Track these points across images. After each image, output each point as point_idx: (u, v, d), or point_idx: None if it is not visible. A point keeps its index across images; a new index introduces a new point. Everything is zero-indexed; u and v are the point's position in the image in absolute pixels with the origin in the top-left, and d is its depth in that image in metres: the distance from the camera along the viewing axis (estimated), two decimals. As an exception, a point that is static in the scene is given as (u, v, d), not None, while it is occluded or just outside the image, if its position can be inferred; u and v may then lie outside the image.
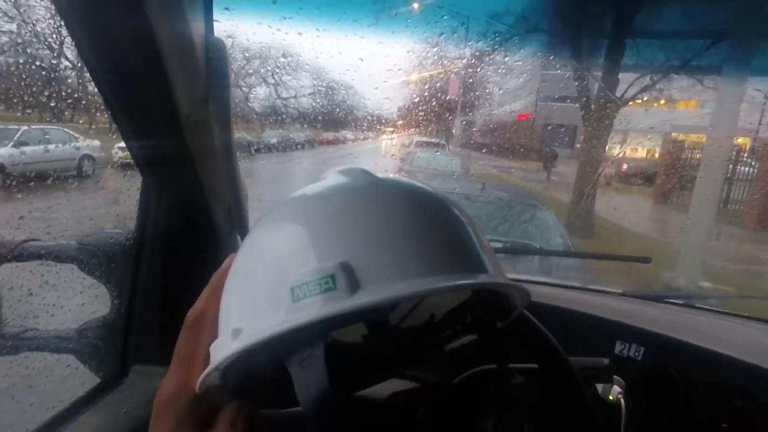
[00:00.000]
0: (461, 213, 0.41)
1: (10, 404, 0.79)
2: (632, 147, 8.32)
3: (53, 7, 0.61)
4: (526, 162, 9.64)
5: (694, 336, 0.85)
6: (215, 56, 0.72)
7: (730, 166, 6.27)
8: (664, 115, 7.05)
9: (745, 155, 6.83)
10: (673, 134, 7.69)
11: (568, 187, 5.74)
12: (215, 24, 0.72)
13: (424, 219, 0.37)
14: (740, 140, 6.67)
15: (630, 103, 5.47)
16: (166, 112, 0.69)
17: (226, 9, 0.82)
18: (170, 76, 0.65)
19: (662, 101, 6.66)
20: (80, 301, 0.87)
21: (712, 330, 1.00)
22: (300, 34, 1.38)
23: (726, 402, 0.75)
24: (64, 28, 0.62)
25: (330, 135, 10.11)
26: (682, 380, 0.76)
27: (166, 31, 0.62)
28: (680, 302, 1.16)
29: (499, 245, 1.53)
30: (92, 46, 0.62)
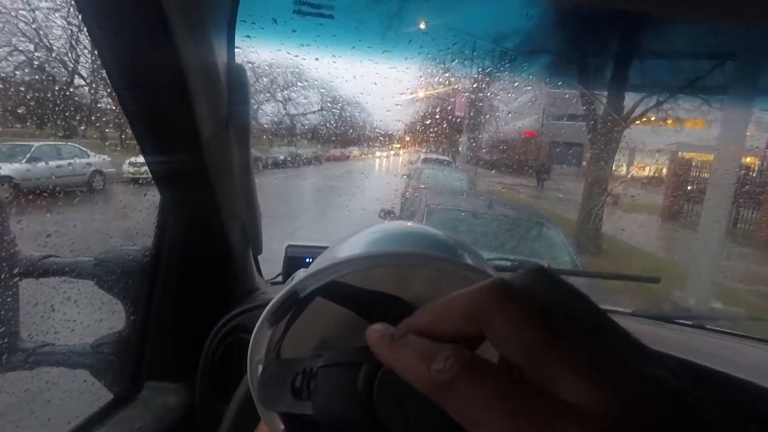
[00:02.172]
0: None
1: (30, 419, 0.80)
2: (639, 166, 8.30)
3: (71, 28, 0.64)
4: (534, 180, 9.64)
5: (705, 357, 0.85)
6: (236, 81, 0.75)
7: (739, 185, 6.24)
8: (671, 134, 7.04)
9: (754, 175, 6.80)
10: (681, 153, 7.67)
11: (576, 206, 5.72)
12: (236, 50, 0.75)
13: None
14: (749, 160, 6.64)
15: (637, 122, 5.48)
16: (187, 134, 0.71)
17: (248, 36, 0.85)
18: (193, 100, 0.67)
19: (669, 121, 6.67)
20: (99, 317, 0.89)
21: (724, 352, 1.00)
22: (317, 59, 1.43)
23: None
24: (79, 46, 0.64)
25: (338, 152, 10.20)
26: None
27: (190, 57, 0.64)
28: (690, 323, 1.15)
29: (507, 263, 1.54)
30: (120, 70, 0.65)
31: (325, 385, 0.28)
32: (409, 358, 0.22)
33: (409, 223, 0.49)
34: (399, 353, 0.23)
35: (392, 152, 9.78)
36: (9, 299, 0.76)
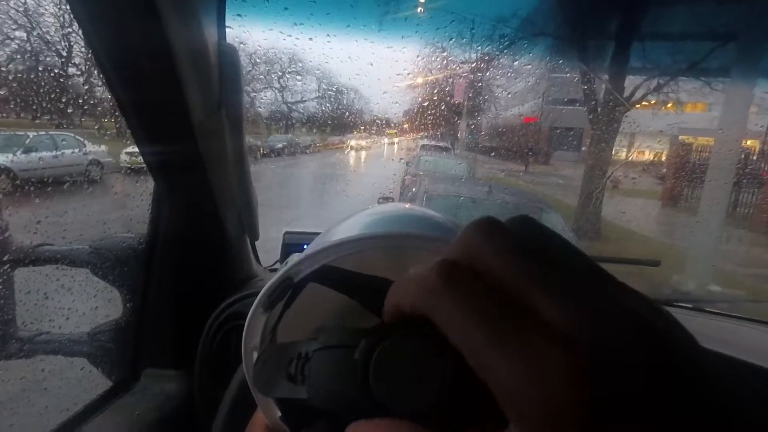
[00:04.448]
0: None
1: (27, 407, 0.80)
2: (640, 150, 8.27)
3: (63, 15, 0.63)
4: (533, 165, 9.60)
5: (705, 340, 0.84)
6: (227, 62, 0.73)
7: (739, 168, 6.23)
8: (671, 118, 6.98)
9: (755, 158, 6.77)
10: (681, 137, 7.63)
11: (575, 191, 5.71)
12: (227, 30, 0.73)
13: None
14: (750, 143, 6.61)
15: (637, 106, 5.44)
16: (179, 118, 0.69)
17: (238, 15, 0.83)
18: (183, 82, 0.65)
19: (670, 104, 6.62)
20: (94, 304, 0.88)
21: (723, 334, 1.00)
22: (311, 39, 1.39)
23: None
24: (72, 35, 0.63)
25: (336, 139, 10.13)
26: None
27: (179, 37, 0.63)
28: (689, 306, 1.15)
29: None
30: (107, 53, 0.63)
31: (320, 367, 0.28)
32: (404, 281, 0.23)
33: (406, 205, 0.49)
34: (398, 284, 0.24)
35: (390, 138, 9.72)
36: (3, 287, 0.75)
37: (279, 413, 0.36)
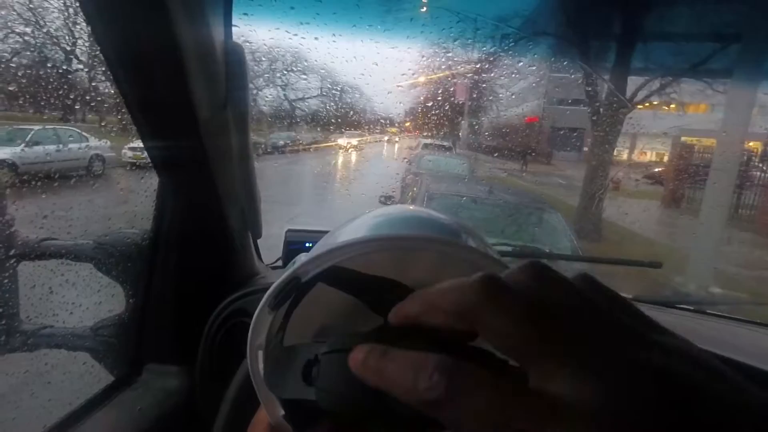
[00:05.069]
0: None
1: (30, 400, 0.81)
2: (642, 151, 8.26)
3: (68, 10, 0.63)
4: (535, 165, 9.60)
5: (706, 342, 0.85)
6: (234, 60, 0.73)
7: (742, 170, 6.22)
8: (673, 119, 6.98)
9: (757, 160, 6.77)
10: (683, 138, 7.62)
11: (577, 191, 5.71)
12: (234, 29, 0.73)
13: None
14: (752, 144, 6.60)
15: (639, 106, 5.43)
16: (185, 115, 0.70)
17: (245, 14, 0.83)
18: (190, 80, 0.66)
19: (672, 105, 6.61)
20: (98, 299, 0.88)
21: (725, 336, 1.00)
22: (316, 39, 1.40)
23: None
24: (77, 30, 0.63)
25: (339, 137, 10.11)
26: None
27: (187, 35, 0.63)
28: (692, 308, 1.15)
29: (508, 249, 1.53)
30: (115, 49, 0.63)
31: (327, 370, 0.28)
32: (396, 376, 0.21)
33: (411, 207, 0.49)
34: (385, 373, 0.22)
35: (393, 136, 9.71)
36: (8, 281, 0.75)
37: (282, 412, 0.36)
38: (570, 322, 0.19)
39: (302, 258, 0.36)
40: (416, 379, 0.20)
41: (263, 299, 0.36)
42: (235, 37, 0.74)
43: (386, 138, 10.05)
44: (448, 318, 0.22)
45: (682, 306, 1.15)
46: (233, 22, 0.73)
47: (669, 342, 0.19)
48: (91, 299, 0.88)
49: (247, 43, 0.76)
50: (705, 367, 0.18)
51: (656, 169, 8.27)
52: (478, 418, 0.18)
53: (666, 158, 8.03)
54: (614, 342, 0.19)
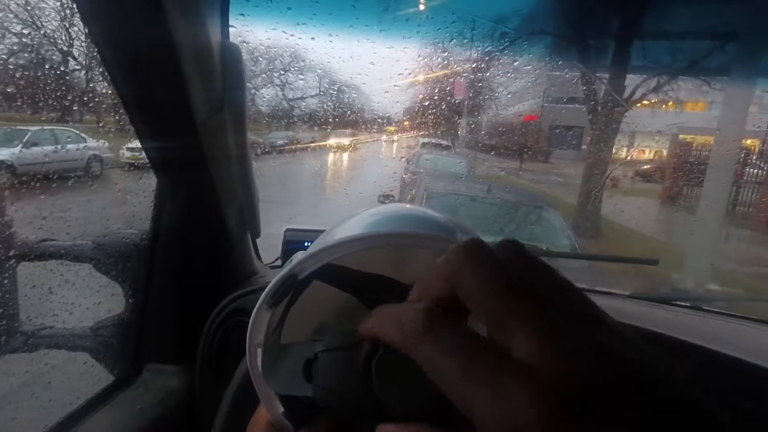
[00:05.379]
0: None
1: (30, 400, 0.81)
2: (639, 149, 8.27)
3: (65, 10, 0.63)
4: (533, 163, 9.61)
5: (703, 338, 0.85)
6: (231, 60, 0.73)
7: (739, 167, 6.23)
8: (671, 117, 6.99)
9: (754, 157, 6.78)
10: (681, 136, 7.63)
11: (575, 189, 5.72)
12: (231, 29, 0.73)
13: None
14: (749, 142, 6.62)
15: (637, 105, 5.44)
16: (182, 115, 0.70)
17: (242, 15, 0.83)
18: (187, 80, 0.66)
19: (670, 103, 6.63)
20: (97, 300, 0.89)
21: (721, 333, 1.00)
22: (313, 39, 1.40)
23: (735, 404, 0.75)
24: (73, 30, 0.64)
25: (337, 136, 10.09)
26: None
27: (183, 35, 0.63)
28: (688, 305, 1.16)
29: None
30: (112, 50, 0.64)
31: (325, 367, 0.29)
32: (385, 319, 0.24)
33: (407, 205, 0.50)
34: (378, 318, 0.25)
35: (390, 136, 9.70)
36: (7, 282, 0.76)
37: (281, 409, 0.37)
38: (537, 291, 0.22)
39: (299, 256, 0.36)
40: (402, 320, 0.23)
41: (261, 297, 0.36)
42: (232, 38, 0.75)
43: (384, 137, 10.05)
44: (438, 286, 0.24)
45: (678, 303, 1.16)
46: (230, 23, 0.73)
47: (613, 325, 0.22)
48: (91, 299, 0.88)
49: (244, 44, 0.77)
50: (638, 346, 0.21)
51: (654, 167, 8.28)
52: (445, 354, 0.21)
53: (664, 156, 8.04)
54: (568, 316, 0.21)
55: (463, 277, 0.23)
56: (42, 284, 0.82)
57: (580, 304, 0.22)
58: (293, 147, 8.10)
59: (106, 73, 0.66)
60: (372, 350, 0.26)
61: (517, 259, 0.24)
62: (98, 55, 0.63)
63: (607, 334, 0.21)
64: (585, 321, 0.21)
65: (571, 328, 0.20)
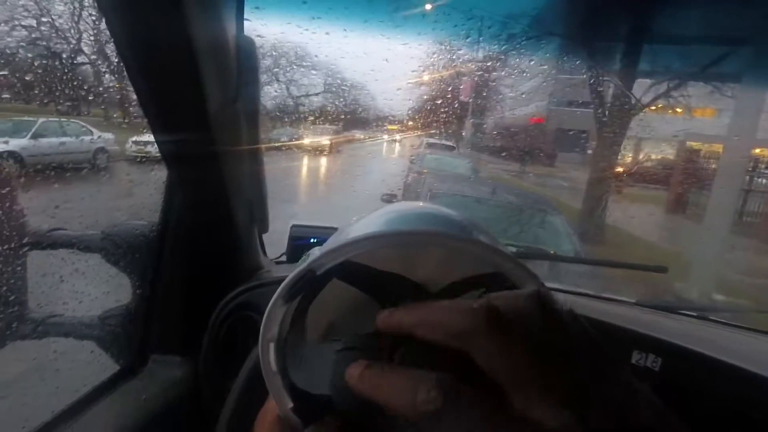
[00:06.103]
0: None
1: (39, 386, 0.82)
2: (646, 155, 8.23)
3: (74, 3, 0.64)
4: (538, 167, 9.58)
5: (711, 348, 0.85)
6: (245, 54, 0.74)
7: (747, 177, 6.19)
8: (679, 123, 6.94)
9: (764, 166, 6.72)
10: (689, 143, 7.58)
11: (580, 193, 5.69)
12: (245, 23, 0.73)
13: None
14: (758, 151, 6.56)
15: (645, 110, 5.40)
16: (196, 109, 0.70)
17: (257, 8, 0.83)
18: (202, 73, 0.66)
19: (678, 109, 6.59)
20: (105, 289, 0.89)
21: (729, 343, 1.00)
22: (327, 34, 1.40)
23: (743, 414, 0.75)
24: (82, 24, 0.64)
25: (346, 134, 10.06)
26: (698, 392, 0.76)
27: (199, 29, 0.63)
28: (694, 314, 1.15)
29: (513, 249, 1.53)
30: (129, 42, 0.64)
31: (342, 368, 0.29)
32: (395, 391, 0.24)
33: (421, 203, 0.49)
34: (385, 387, 0.24)
35: (399, 135, 9.68)
36: (18, 269, 0.76)
37: (291, 404, 0.37)
38: (556, 357, 0.22)
39: (316, 251, 0.36)
40: (415, 393, 0.22)
41: (277, 291, 0.36)
42: (246, 31, 0.75)
43: (392, 136, 10.03)
44: (444, 338, 0.24)
45: (684, 312, 1.15)
46: (245, 16, 0.73)
47: (629, 382, 0.23)
48: (99, 289, 0.89)
49: (259, 38, 0.77)
50: (653, 405, 0.22)
51: (661, 173, 8.23)
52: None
53: (671, 162, 7.99)
54: (589, 378, 0.22)
55: (480, 344, 0.23)
56: (53, 273, 0.83)
57: (597, 360, 0.23)
58: (299, 144, 8.10)
59: (122, 65, 0.66)
60: (390, 349, 0.26)
61: (538, 317, 0.24)
62: (109, 49, 0.64)
63: (623, 392, 0.22)
64: (600, 380, 0.22)
65: (588, 390, 0.21)
